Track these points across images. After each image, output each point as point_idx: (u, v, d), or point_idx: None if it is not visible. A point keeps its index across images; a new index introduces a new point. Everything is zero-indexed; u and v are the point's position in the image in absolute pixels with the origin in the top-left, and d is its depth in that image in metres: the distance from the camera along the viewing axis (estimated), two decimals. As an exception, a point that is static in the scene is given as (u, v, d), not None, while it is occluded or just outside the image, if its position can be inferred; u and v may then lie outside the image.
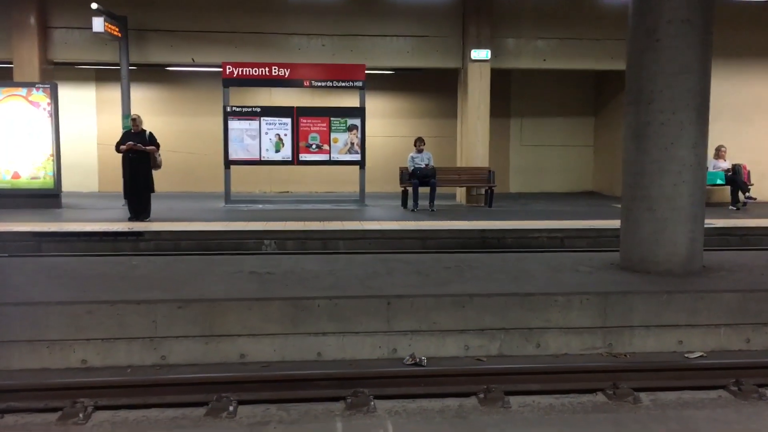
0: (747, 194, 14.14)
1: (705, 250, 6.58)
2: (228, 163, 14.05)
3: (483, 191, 14.99)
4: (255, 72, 13.96)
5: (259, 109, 14.12)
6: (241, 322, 5.04)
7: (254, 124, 13.94)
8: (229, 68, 13.89)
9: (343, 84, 14.34)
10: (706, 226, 6.59)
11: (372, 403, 4.13)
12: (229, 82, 13.98)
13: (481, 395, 4.25)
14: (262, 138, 13.97)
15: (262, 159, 14.11)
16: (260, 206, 14.00)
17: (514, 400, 4.23)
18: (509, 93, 18.61)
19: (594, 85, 18.85)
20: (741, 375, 4.50)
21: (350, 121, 14.18)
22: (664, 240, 6.24)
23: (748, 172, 14.34)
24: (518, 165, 19.00)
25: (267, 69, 13.96)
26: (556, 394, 4.35)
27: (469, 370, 4.66)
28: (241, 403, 4.11)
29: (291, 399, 4.20)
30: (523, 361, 5.04)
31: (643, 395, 4.31)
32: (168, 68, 16.64)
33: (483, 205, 14.85)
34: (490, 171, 14.84)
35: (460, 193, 15.99)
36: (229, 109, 13.90)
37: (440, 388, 4.37)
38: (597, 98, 18.92)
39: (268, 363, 4.99)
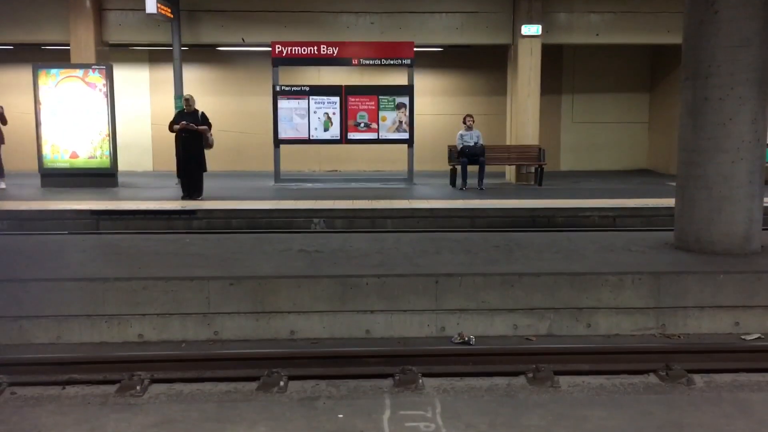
0: None
1: (765, 229, 6.38)
2: (277, 142, 14.17)
3: (533, 169, 14.78)
4: (304, 51, 14.00)
5: (308, 88, 14.17)
6: (291, 299, 5.12)
7: (303, 103, 14.01)
8: (279, 47, 13.96)
9: (392, 62, 14.25)
10: (766, 205, 6.38)
11: (420, 380, 4.16)
12: (279, 61, 14.05)
13: (530, 375, 4.24)
14: (311, 117, 14.03)
15: (311, 138, 14.18)
16: (309, 185, 14.11)
17: (564, 380, 4.21)
18: (561, 69, 18.21)
19: (649, 60, 18.30)
20: (800, 358, 4.37)
21: (398, 100, 14.12)
22: (721, 219, 6.07)
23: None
24: (570, 143, 18.63)
25: (316, 48, 13.98)
26: (607, 375, 4.31)
27: (517, 349, 4.65)
28: (291, 378, 4.19)
29: (340, 375, 4.26)
30: (573, 341, 5.00)
31: (696, 377, 4.23)
32: (219, 48, 16.82)
33: (533, 183, 14.66)
34: (540, 149, 14.61)
35: (510, 171, 15.80)
36: (278, 88, 13.99)
37: (488, 367, 4.37)
38: (652, 74, 18.36)
39: (317, 339, 5.07)
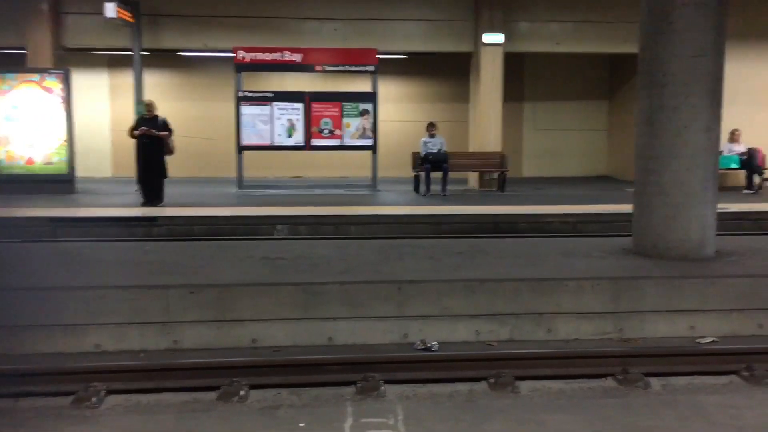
0: (753, 186, 13.93)
1: (718, 234, 6.53)
2: (240, 148, 14.09)
3: (496, 176, 14.93)
4: (267, 57, 13.95)
5: (271, 95, 14.13)
6: (253, 307, 5.08)
7: (266, 109, 13.94)
8: (241, 53, 13.88)
9: (356, 68, 14.30)
10: (719, 210, 6.54)
11: (382, 387, 4.16)
12: (242, 67, 13.98)
13: (492, 380, 4.26)
14: (275, 123, 13.97)
15: (275, 144, 14.13)
16: (272, 191, 14.04)
17: (525, 385, 4.25)
18: (522, 77, 18.45)
19: (608, 69, 18.65)
20: (753, 360, 4.48)
21: (362, 106, 14.14)
22: (676, 225, 6.20)
23: (764, 156, 14.17)
24: (532, 149, 18.88)
25: (279, 54, 13.94)
26: (567, 379, 4.36)
27: (479, 355, 4.68)
28: (252, 387, 4.15)
29: (302, 383, 4.23)
30: (533, 346, 5.04)
31: (653, 380, 4.31)
32: (181, 53, 16.64)
33: (496, 189, 14.79)
34: (502, 155, 14.77)
35: (473, 177, 15.94)
36: (241, 94, 13.92)
37: (450, 373, 4.39)
38: (611, 82, 18.73)
39: (279, 347, 5.03)
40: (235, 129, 14.05)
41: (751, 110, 15.13)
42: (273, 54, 13.93)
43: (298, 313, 5.12)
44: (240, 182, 14.17)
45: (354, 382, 4.20)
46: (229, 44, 14.40)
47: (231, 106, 14.40)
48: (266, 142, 14.06)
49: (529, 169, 18.79)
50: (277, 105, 13.95)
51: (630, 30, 14.39)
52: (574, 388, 4.23)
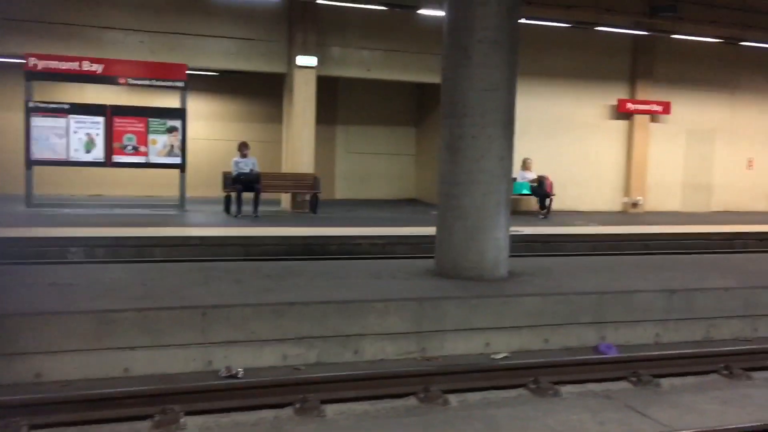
0: (543, 211, 15.28)
1: (511, 256, 7.03)
2: (30, 163, 12.89)
3: (308, 197, 15.00)
4: (63, 66, 12.94)
5: (67, 106, 13.10)
6: (37, 338, 4.62)
7: (62, 121, 12.90)
8: (33, 60, 12.75)
9: (163, 83, 13.72)
10: (512, 233, 7.05)
11: (182, 419, 3.96)
12: (33, 75, 12.83)
13: (297, 405, 4.22)
14: (71, 137, 12.96)
15: (71, 160, 13.10)
16: (67, 210, 12.96)
17: (330, 409, 4.25)
18: (336, 101, 18.81)
19: (416, 97, 19.60)
20: (539, 374, 4.85)
21: (170, 123, 13.59)
22: (474, 248, 6.59)
23: (551, 182, 15.59)
24: (344, 172, 19.27)
25: (77, 63, 12.99)
26: (372, 400, 4.43)
27: (285, 380, 4.61)
28: (32, 428, 3.76)
29: (92, 420, 3.91)
30: (340, 369, 5.07)
31: (452, 397, 4.51)
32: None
33: (308, 211, 14.85)
34: (315, 177, 14.89)
35: (285, 199, 15.88)
36: (32, 104, 12.76)
37: (256, 400, 4.28)
38: (418, 109, 19.69)
39: (68, 382, 4.61)
40: (23, 142, 12.83)
41: (541, 141, 16.66)
42: (70, 63, 12.95)
43: (91, 343, 4.73)
44: (29, 200, 12.93)
45: (151, 416, 3.95)
46: (19, 49, 13.17)
47: (20, 116, 13.14)
48: (61, 157, 13.00)
49: (341, 192, 19.13)
50: (74, 118, 12.96)
51: (434, 61, 15.22)
52: (379, 409, 4.30)
